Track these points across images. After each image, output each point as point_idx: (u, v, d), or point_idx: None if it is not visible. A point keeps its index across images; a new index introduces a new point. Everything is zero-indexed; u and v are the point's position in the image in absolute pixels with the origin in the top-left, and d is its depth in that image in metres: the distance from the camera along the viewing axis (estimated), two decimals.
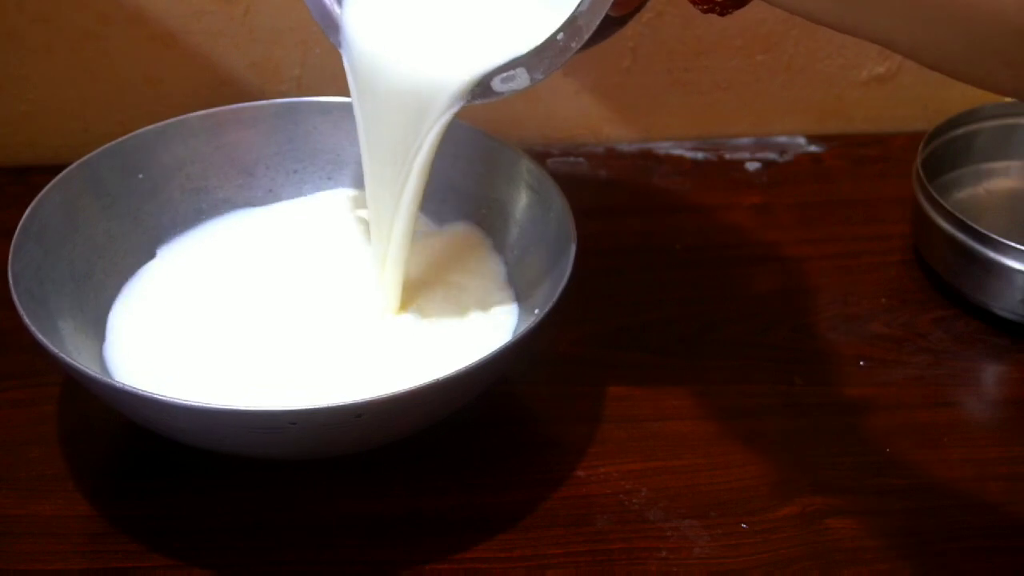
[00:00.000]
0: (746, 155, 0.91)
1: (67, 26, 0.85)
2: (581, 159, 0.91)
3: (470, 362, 0.58)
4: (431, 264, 0.72)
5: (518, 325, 0.69)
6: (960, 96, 0.88)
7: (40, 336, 0.59)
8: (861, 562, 0.61)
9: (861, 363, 0.72)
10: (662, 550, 0.61)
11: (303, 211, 0.77)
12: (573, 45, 0.56)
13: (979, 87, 0.45)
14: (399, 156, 0.64)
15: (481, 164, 0.74)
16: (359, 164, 0.78)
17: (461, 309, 0.69)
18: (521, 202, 0.72)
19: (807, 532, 0.62)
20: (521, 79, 0.59)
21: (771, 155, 0.91)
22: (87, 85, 0.87)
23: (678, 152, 0.92)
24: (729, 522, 0.62)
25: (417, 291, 0.70)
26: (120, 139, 0.73)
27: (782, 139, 0.93)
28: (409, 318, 0.68)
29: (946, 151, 0.82)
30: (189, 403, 0.56)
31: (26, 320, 0.60)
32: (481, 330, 0.68)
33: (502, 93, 0.59)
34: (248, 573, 0.60)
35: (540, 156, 0.76)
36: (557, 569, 0.60)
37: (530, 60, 0.58)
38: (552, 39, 0.57)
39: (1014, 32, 0.42)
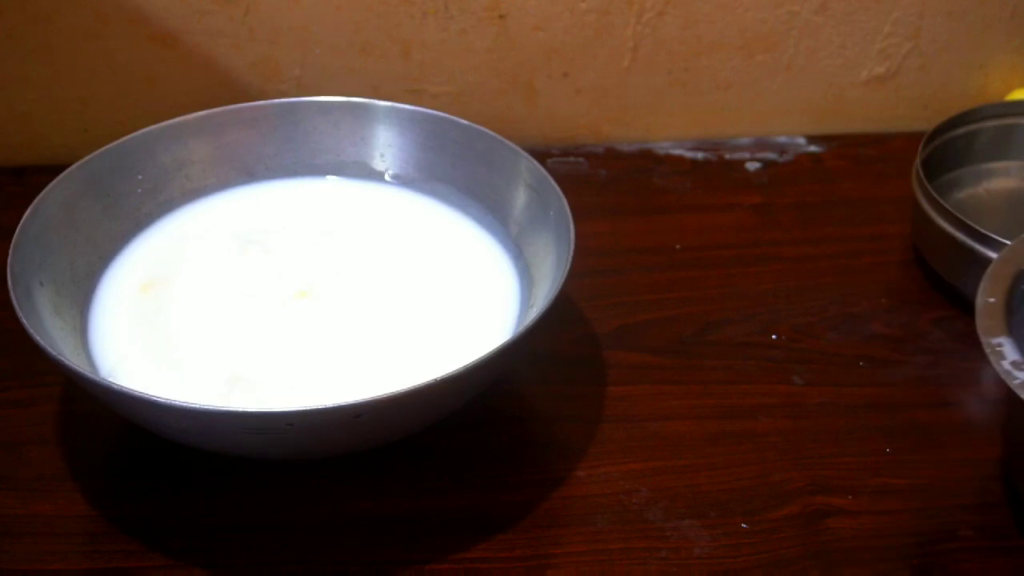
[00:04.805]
0: (746, 155, 0.91)
1: (67, 26, 0.85)
2: (581, 159, 0.91)
3: (468, 361, 0.58)
4: (433, 257, 0.73)
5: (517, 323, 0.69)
6: (960, 96, 0.88)
7: (38, 339, 0.59)
8: (861, 562, 0.61)
9: (861, 363, 0.72)
10: (662, 550, 0.61)
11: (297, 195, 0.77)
12: None
13: None
14: None
15: (481, 164, 0.74)
16: (358, 163, 0.78)
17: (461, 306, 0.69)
18: (520, 201, 0.72)
19: (807, 532, 0.62)
20: None
21: (771, 155, 0.91)
22: (87, 85, 0.87)
23: (678, 152, 0.92)
24: (729, 522, 0.62)
25: (419, 284, 0.70)
26: (120, 140, 0.73)
27: (782, 139, 0.93)
28: (406, 311, 0.69)
29: (946, 151, 0.82)
30: (186, 404, 0.56)
31: (24, 322, 0.60)
32: (481, 328, 0.68)
33: None
34: (248, 573, 0.60)
35: (540, 156, 0.76)
36: (557, 569, 0.60)
37: None
38: None
39: None
